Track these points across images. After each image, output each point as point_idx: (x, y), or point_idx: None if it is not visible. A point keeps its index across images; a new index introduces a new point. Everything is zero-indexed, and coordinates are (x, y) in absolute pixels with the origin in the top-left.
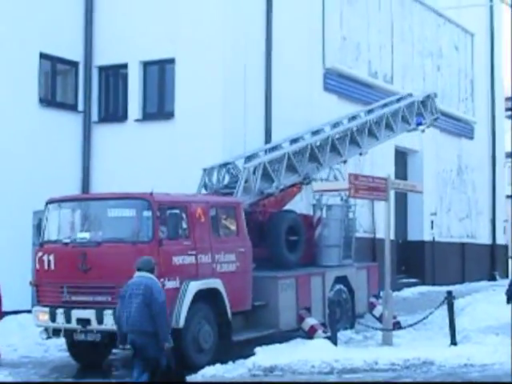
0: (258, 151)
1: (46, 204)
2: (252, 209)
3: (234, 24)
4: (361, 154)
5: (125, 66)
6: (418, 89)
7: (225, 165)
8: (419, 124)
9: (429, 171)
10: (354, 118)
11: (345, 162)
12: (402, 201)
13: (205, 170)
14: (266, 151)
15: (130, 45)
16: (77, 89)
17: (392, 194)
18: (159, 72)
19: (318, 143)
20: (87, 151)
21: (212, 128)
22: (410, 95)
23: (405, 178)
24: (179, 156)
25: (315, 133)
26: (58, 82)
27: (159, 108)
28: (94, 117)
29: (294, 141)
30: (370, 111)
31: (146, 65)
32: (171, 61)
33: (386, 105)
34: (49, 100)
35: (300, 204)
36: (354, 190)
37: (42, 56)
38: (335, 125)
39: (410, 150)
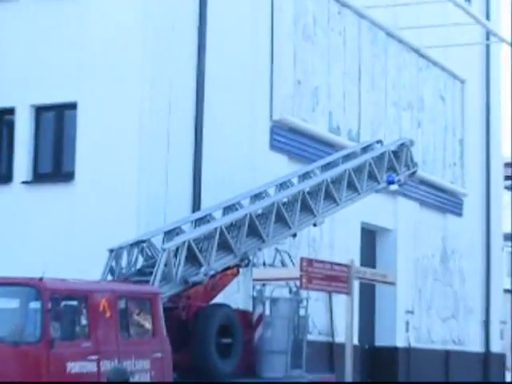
0: (181, 224)
1: None
2: (173, 302)
3: (156, 60)
4: (315, 225)
5: (10, 111)
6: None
7: (137, 243)
8: (391, 182)
9: (404, 256)
10: (305, 176)
11: (294, 235)
12: (369, 294)
13: (111, 250)
14: (192, 223)
15: (17, 82)
16: None
17: (356, 285)
18: (56, 120)
19: (259, 211)
20: None
21: (123, 193)
22: (380, 143)
23: (373, 264)
24: (80, 229)
25: (256, 197)
26: None
27: (55, 167)
28: None
29: (227, 209)
30: (326, 166)
31: (39, 110)
32: (72, 106)
33: (347, 156)
34: None
35: (236, 296)
36: (306, 279)
37: None
38: (281, 186)
39: (380, 229)
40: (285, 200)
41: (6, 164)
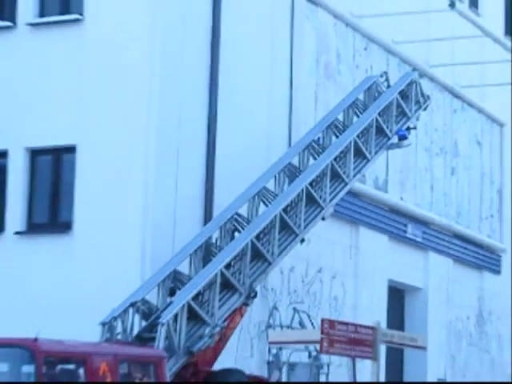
0: (175, 265)
1: None
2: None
3: (162, 103)
4: (323, 219)
5: (3, 154)
6: (423, 202)
7: (132, 305)
8: (402, 138)
9: (436, 318)
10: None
11: (302, 241)
12: (396, 360)
13: (103, 324)
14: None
15: (12, 126)
16: None
17: (383, 349)
18: (53, 164)
19: (261, 229)
20: None
21: (125, 246)
22: (384, 76)
23: (402, 327)
24: (78, 285)
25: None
26: None
27: (51, 216)
28: None
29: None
30: (329, 127)
31: (35, 154)
32: (71, 149)
33: (351, 106)
34: None
35: (250, 361)
36: (328, 342)
37: None
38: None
39: (409, 287)
40: (286, 208)
41: None
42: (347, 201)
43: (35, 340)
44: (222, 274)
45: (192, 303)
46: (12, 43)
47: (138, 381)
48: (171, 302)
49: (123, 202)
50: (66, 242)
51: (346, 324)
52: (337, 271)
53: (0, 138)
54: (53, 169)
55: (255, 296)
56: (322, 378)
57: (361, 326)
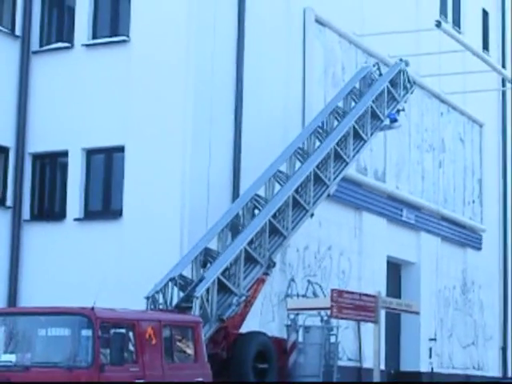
0: (206, 243)
1: None
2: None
3: (197, 104)
4: (329, 195)
5: (64, 153)
6: (415, 190)
7: (171, 280)
8: (394, 120)
9: (427, 288)
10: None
11: (312, 215)
12: (394, 323)
13: (147, 298)
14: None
15: (70, 128)
16: (5, 180)
17: (383, 314)
18: (105, 162)
19: (277, 209)
20: (16, 255)
21: (167, 229)
22: (376, 65)
23: (398, 295)
24: (127, 262)
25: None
26: None
27: (104, 205)
28: (26, 214)
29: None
30: (332, 113)
31: (90, 153)
32: (120, 149)
33: (349, 94)
34: None
35: (272, 324)
36: (337, 308)
37: None
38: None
39: (404, 262)
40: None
41: (59, 202)
42: (352, 189)
43: (92, 309)
44: (246, 249)
45: (221, 277)
46: (70, 61)
47: (178, 342)
48: (203, 278)
49: (164, 191)
50: (117, 227)
51: (352, 293)
52: (344, 249)
53: (61, 140)
54: (105, 165)
55: (274, 266)
56: (332, 339)
57: (364, 294)
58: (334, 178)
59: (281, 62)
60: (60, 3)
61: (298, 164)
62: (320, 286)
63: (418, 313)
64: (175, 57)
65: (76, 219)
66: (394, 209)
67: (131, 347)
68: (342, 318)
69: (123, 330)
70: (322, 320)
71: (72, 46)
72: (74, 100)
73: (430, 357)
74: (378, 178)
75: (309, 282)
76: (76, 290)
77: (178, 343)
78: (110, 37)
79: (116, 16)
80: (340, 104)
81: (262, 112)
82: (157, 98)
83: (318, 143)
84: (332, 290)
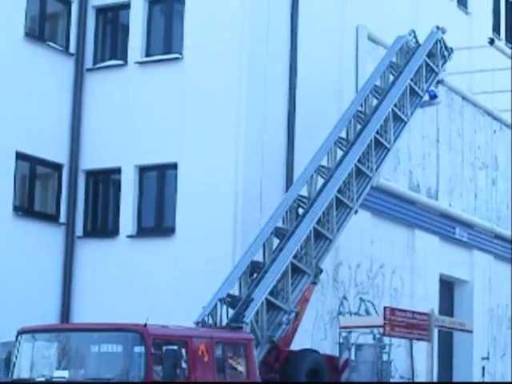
0: (250, 257)
1: (18, 334)
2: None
3: (249, 123)
4: (372, 187)
5: (117, 170)
6: (468, 207)
7: (219, 301)
8: (433, 97)
9: (480, 306)
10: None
11: (356, 211)
12: (447, 341)
13: (197, 323)
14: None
15: (123, 145)
16: (59, 196)
17: (435, 332)
18: (158, 179)
19: (321, 212)
20: (69, 271)
21: (221, 248)
22: (412, 34)
23: (451, 313)
24: (180, 279)
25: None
26: (37, 187)
27: (157, 222)
28: (79, 231)
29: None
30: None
31: (143, 170)
32: (173, 166)
33: (388, 69)
34: (25, 208)
35: (324, 342)
36: (389, 327)
37: (19, 156)
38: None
39: (457, 280)
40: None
41: (112, 219)
42: (404, 207)
43: (145, 325)
44: (292, 262)
45: (269, 298)
46: (123, 78)
47: (230, 359)
48: (252, 299)
49: (217, 209)
50: (170, 244)
51: (405, 311)
52: (396, 267)
53: (115, 157)
54: (158, 182)
55: (321, 272)
56: (385, 357)
57: (417, 312)
58: (377, 168)
59: (333, 78)
60: (114, 21)
61: (339, 153)
62: (372, 304)
63: (470, 331)
64: (228, 75)
65: (129, 236)
66: (447, 226)
67: (183, 364)
68: (395, 336)
69: (176, 347)
70: (374, 338)
71: (126, 64)
72: (128, 117)
73: (483, 376)
74: (430, 196)
75: (361, 299)
76: (129, 306)
77: (230, 360)
78: (164, 54)
79: (169, 34)
80: (377, 82)
81: (314, 128)
82: (210, 115)
83: (358, 126)
84: (385, 308)
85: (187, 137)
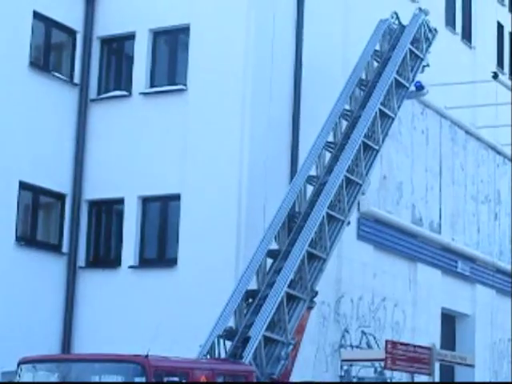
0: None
1: (19, 364)
2: None
3: (252, 154)
4: (363, 194)
5: (120, 201)
6: (471, 242)
7: (218, 337)
8: (420, 88)
9: (482, 340)
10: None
11: (348, 223)
12: (448, 375)
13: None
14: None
15: (126, 176)
16: (61, 226)
17: (437, 366)
18: (161, 210)
19: (312, 233)
20: (70, 301)
21: (223, 281)
22: (395, 16)
23: (453, 347)
24: (182, 310)
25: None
26: (39, 216)
27: (159, 253)
28: (81, 261)
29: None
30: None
31: (146, 201)
32: (176, 197)
33: (371, 57)
34: (28, 238)
35: (325, 375)
36: (391, 360)
37: (22, 185)
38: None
39: (459, 314)
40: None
41: (115, 250)
42: (407, 241)
43: (146, 356)
44: (287, 292)
45: (266, 334)
46: (127, 109)
47: None
48: (249, 337)
49: (219, 242)
50: (172, 275)
51: (407, 345)
52: (398, 300)
53: (118, 188)
54: (161, 213)
55: (316, 295)
56: None
57: (419, 346)
58: (367, 173)
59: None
60: (118, 52)
61: (328, 155)
62: (374, 337)
63: (472, 366)
64: (232, 107)
65: (131, 267)
66: (449, 260)
67: None
68: (396, 370)
69: (177, 379)
70: (375, 371)
71: (130, 95)
72: (131, 148)
73: None
74: (433, 229)
75: (363, 332)
76: (130, 337)
77: None
78: (168, 85)
79: (174, 65)
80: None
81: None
82: (213, 147)
83: (345, 124)
84: (386, 342)
85: (190, 168)
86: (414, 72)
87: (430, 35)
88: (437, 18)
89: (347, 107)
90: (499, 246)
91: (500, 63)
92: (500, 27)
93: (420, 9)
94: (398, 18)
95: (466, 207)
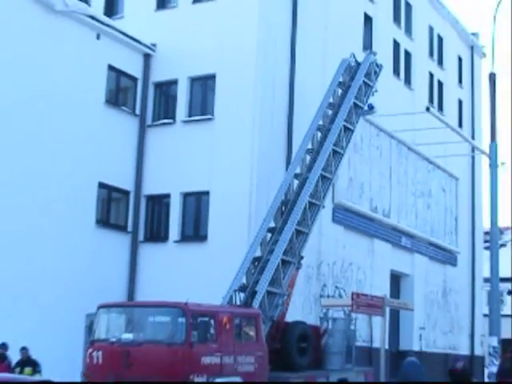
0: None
1: (98, 308)
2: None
3: (261, 155)
4: (333, 185)
5: (168, 195)
6: (411, 224)
7: (234, 291)
8: (371, 108)
9: (418, 292)
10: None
11: (323, 207)
12: (395, 316)
13: (224, 297)
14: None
15: (172, 178)
16: (127, 213)
17: (387, 310)
18: (196, 201)
19: (299, 215)
20: (133, 265)
21: (240, 250)
22: (352, 56)
23: (398, 297)
24: (211, 274)
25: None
26: (112, 206)
27: (195, 232)
28: (141, 237)
29: (272, 230)
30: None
31: (185, 195)
32: (206, 193)
33: (339, 85)
34: (104, 221)
35: (309, 316)
36: (355, 306)
37: (100, 185)
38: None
39: (402, 274)
40: (311, 191)
41: (164, 229)
42: (366, 223)
43: (186, 304)
44: (282, 259)
45: (268, 288)
46: (173, 132)
47: (244, 328)
48: (256, 292)
49: (236, 224)
50: (203, 247)
51: (366, 295)
52: (360, 265)
53: (166, 187)
54: (195, 204)
55: (302, 259)
56: (352, 327)
57: (375, 296)
58: (335, 171)
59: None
60: (166, 92)
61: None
62: (344, 290)
63: (412, 309)
64: (245, 130)
65: (175, 241)
66: (396, 237)
67: (212, 331)
68: (359, 313)
69: (207, 319)
70: (344, 313)
71: (174, 122)
72: (175, 159)
73: (420, 340)
74: (385, 215)
75: (336, 287)
76: (175, 291)
77: (245, 328)
78: (201, 115)
79: (205, 101)
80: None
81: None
82: (232, 158)
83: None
84: (352, 293)
85: (216, 173)
86: (367, 96)
87: (377, 69)
88: (386, 68)
89: (321, 122)
90: (430, 227)
91: (431, 100)
92: (431, 75)
93: (370, 51)
94: (355, 57)
95: (407, 200)
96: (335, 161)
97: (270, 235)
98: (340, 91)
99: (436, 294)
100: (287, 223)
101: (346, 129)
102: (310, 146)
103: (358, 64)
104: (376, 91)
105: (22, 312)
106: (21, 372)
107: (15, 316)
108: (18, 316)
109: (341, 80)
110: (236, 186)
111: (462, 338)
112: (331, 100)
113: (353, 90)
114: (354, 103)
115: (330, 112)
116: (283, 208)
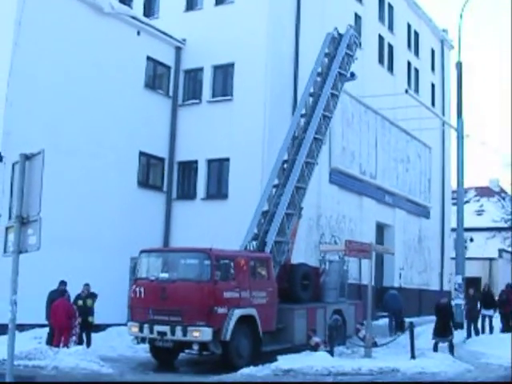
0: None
1: (140, 253)
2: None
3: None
4: (324, 144)
5: (195, 162)
6: (393, 184)
7: (249, 241)
8: (352, 75)
9: (399, 239)
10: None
11: (317, 164)
12: (379, 259)
13: (242, 245)
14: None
15: (199, 147)
16: (163, 176)
17: (373, 254)
18: (218, 167)
19: (298, 175)
20: (168, 219)
21: (252, 207)
22: (335, 31)
23: (382, 243)
24: (230, 226)
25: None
26: (150, 171)
27: (218, 191)
28: (174, 195)
29: (276, 187)
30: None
31: (210, 162)
32: (227, 159)
33: (324, 57)
34: (144, 183)
35: (311, 259)
36: (348, 251)
37: (140, 153)
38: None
39: (386, 225)
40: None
41: (193, 189)
42: (357, 184)
43: (210, 249)
44: (285, 212)
45: (276, 238)
46: (199, 110)
47: (258, 268)
48: (266, 242)
49: (251, 184)
50: (225, 204)
51: (356, 242)
52: (352, 217)
53: (194, 154)
54: (218, 168)
55: (302, 210)
56: (345, 268)
57: (364, 242)
58: (325, 133)
59: None
60: (194, 78)
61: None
62: (338, 238)
63: (393, 253)
64: (257, 109)
65: (202, 199)
66: (380, 195)
67: (232, 271)
68: (351, 256)
69: (228, 261)
70: (339, 257)
71: (200, 102)
72: (202, 132)
73: (400, 278)
74: (372, 177)
75: (332, 235)
76: (202, 239)
77: (258, 269)
78: (222, 96)
79: (225, 85)
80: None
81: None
82: (247, 131)
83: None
84: (345, 240)
85: (235, 143)
86: (349, 65)
87: (357, 41)
88: (372, 58)
89: (312, 90)
90: (408, 187)
91: (409, 84)
92: (409, 64)
93: (350, 25)
94: (337, 30)
95: (390, 165)
96: (325, 123)
97: (274, 190)
98: (326, 60)
99: (413, 241)
100: (289, 180)
101: (333, 95)
102: (303, 112)
103: (341, 36)
104: (356, 59)
105: (80, 256)
106: (84, 303)
107: (75, 259)
108: (77, 259)
109: (327, 51)
110: (251, 153)
111: (434, 276)
112: (319, 70)
113: (337, 60)
114: (339, 72)
115: (319, 79)
116: (284, 166)
